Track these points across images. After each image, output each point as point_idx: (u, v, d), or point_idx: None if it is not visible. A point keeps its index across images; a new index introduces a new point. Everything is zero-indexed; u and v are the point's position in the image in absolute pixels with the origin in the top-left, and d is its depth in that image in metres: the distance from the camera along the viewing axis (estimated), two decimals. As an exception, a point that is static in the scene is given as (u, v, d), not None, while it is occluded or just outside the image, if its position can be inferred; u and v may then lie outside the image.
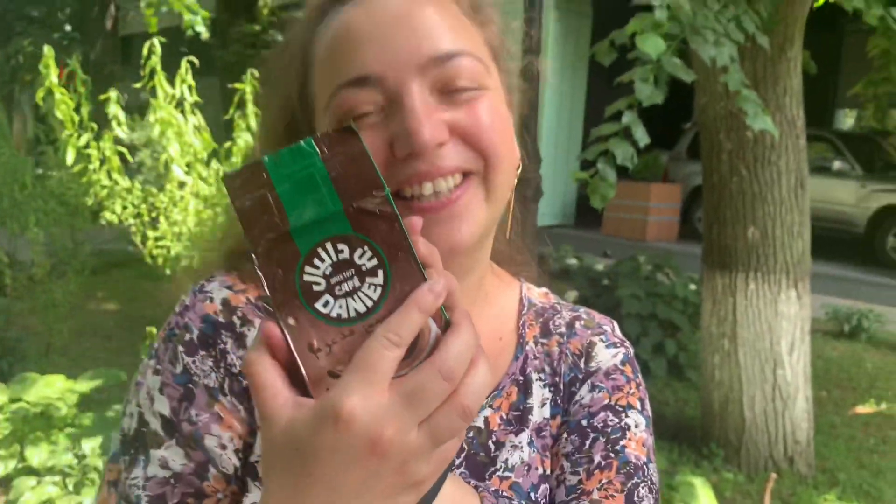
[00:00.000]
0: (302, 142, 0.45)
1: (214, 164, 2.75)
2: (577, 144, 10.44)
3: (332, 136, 0.45)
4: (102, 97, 2.75)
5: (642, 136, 2.47)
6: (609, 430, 0.72)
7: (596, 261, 6.35)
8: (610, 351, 0.78)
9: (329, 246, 0.44)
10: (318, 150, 0.44)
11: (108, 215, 2.79)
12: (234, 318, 0.66)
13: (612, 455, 0.71)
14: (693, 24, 2.81)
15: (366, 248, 0.44)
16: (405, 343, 0.44)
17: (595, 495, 0.69)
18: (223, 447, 0.63)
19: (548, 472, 0.73)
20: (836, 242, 9.69)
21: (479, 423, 0.72)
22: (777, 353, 3.58)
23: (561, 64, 9.36)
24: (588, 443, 0.72)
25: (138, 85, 2.65)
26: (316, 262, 0.44)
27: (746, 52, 3.40)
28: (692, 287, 5.00)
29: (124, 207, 2.79)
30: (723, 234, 3.65)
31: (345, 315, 0.45)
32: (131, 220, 2.80)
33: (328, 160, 0.44)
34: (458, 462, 0.70)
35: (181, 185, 2.71)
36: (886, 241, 8.62)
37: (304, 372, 0.45)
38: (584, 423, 0.74)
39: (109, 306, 6.45)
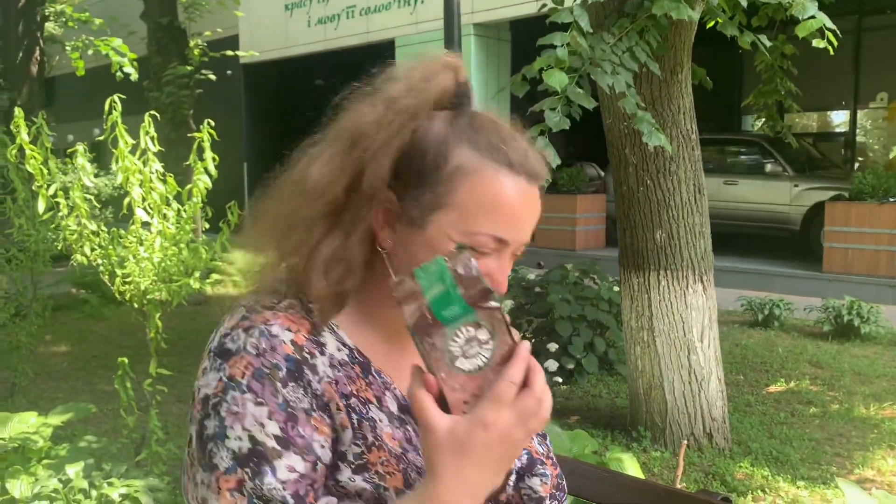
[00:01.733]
0: (438, 259, 0.76)
1: (175, 205, 3.03)
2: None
3: (456, 255, 0.78)
4: (70, 150, 3.01)
5: (554, 159, 2.85)
6: None
7: (529, 271, 6.76)
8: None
9: (463, 329, 0.77)
10: (448, 265, 0.76)
11: (78, 257, 3.03)
12: (305, 354, 0.87)
13: None
14: (592, 57, 3.23)
15: (484, 328, 0.77)
16: (518, 383, 0.77)
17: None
18: (322, 447, 0.86)
19: None
20: (774, 240, 10.38)
21: None
22: (690, 341, 4.02)
23: (484, 93, 9.82)
24: None
25: (101, 138, 2.91)
26: (456, 338, 0.76)
27: (642, 77, 3.86)
28: (616, 289, 5.44)
29: (93, 249, 3.04)
30: (634, 238, 4.09)
31: (471, 368, 0.77)
32: (100, 261, 3.05)
33: (457, 274, 0.76)
34: None
35: (145, 224, 2.98)
36: (821, 235, 9.23)
37: (448, 401, 0.77)
38: None
39: (60, 348, 6.55)
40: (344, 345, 0.92)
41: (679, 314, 4.03)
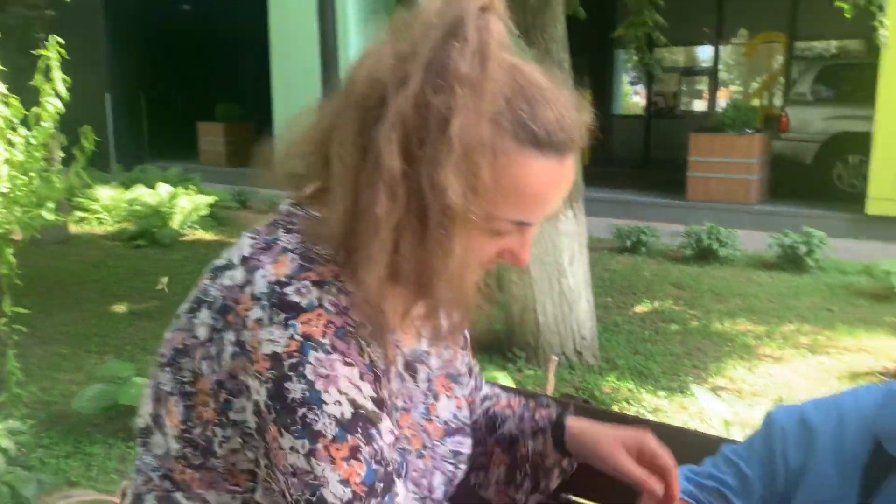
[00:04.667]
0: None
1: (23, 130, 2.81)
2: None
3: None
4: None
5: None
6: None
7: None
8: None
9: None
10: None
11: (-86, 188, 2.77)
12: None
13: None
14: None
15: None
16: None
17: None
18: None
19: (461, 357, 1.09)
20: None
21: (425, 346, 0.99)
22: (560, 265, 4.18)
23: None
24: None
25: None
26: None
27: (516, 4, 3.87)
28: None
29: (-70, 179, 2.78)
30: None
31: None
32: (-60, 191, 2.80)
33: None
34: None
35: (-12, 152, 2.75)
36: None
37: None
38: None
39: None
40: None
41: (551, 240, 4.16)
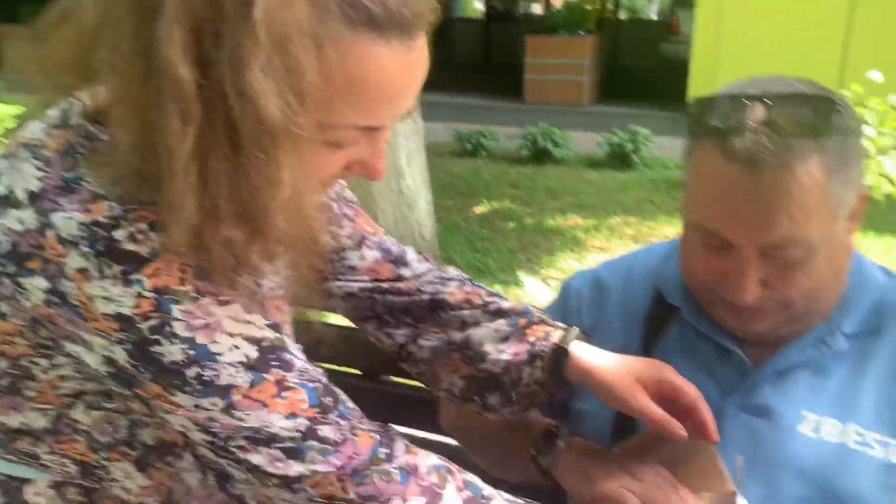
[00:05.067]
0: None
1: None
2: None
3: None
4: None
5: None
6: None
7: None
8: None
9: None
10: None
11: None
12: None
13: None
14: None
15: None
16: None
17: None
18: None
19: None
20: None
21: None
22: (398, 167, 4.17)
23: None
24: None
25: None
26: None
27: None
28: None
29: None
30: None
31: None
32: None
33: None
34: None
35: None
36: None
37: None
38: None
39: None
40: None
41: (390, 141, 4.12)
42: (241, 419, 0.69)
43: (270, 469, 0.72)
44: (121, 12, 0.61)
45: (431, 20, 0.68)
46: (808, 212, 0.83)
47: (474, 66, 12.53)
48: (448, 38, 12.40)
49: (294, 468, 0.72)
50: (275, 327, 0.72)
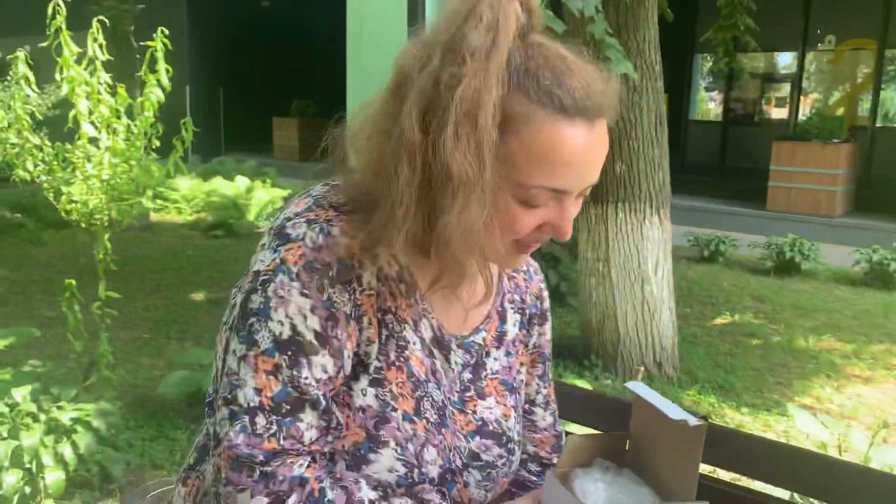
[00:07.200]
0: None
1: (125, 119, 2.86)
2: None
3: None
4: (10, 56, 2.80)
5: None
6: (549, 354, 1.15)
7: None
8: (546, 292, 1.15)
9: None
10: None
11: (20, 173, 2.86)
12: (355, 262, 0.87)
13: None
14: (562, -21, 3.15)
15: None
16: None
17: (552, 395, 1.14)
18: (348, 357, 0.88)
19: (521, 372, 1.08)
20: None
21: (479, 341, 1.02)
22: (644, 272, 4.08)
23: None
24: (548, 366, 1.14)
25: (44, 44, 2.71)
26: None
27: (610, 3, 3.79)
28: (570, 221, 5.46)
29: (35, 165, 2.87)
30: (595, 170, 4.08)
31: None
32: (44, 177, 2.89)
33: None
34: (466, 366, 1.01)
35: (92, 140, 2.82)
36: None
37: None
38: (547, 352, 1.13)
39: (-2, 272, 6.30)
40: (396, 261, 0.91)
41: (635, 246, 4.06)
42: (239, 370, 0.85)
43: (219, 427, 0.86)
44: (387, 107, 0.85)
45: (612, 112, 0.85)
46: None
47: (709, 169, 12.17)
48: (683, 140, 12.20)
49: (225, 429, 0.85)
50: (320, 337, 0.85)
